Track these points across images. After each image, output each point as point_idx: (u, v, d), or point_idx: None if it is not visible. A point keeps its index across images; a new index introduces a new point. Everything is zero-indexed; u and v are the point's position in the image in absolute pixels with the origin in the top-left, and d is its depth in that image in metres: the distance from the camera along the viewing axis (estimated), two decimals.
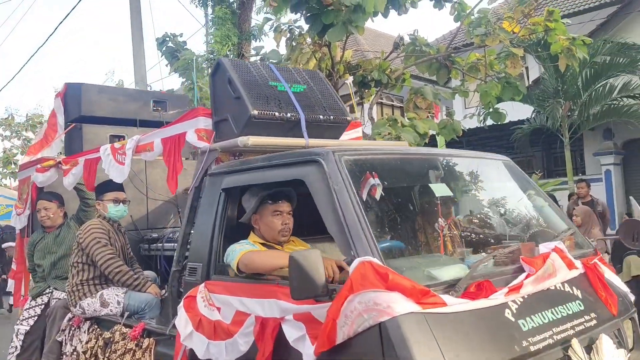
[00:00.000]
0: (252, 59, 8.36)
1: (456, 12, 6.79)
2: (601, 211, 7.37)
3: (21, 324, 4.14)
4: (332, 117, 3.32)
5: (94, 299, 3.63)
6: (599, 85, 10.02)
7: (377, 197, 2.24)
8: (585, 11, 12.42)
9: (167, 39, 9.03)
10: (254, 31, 9.65)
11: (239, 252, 2.49)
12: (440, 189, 2.49)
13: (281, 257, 2.38)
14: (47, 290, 4.25)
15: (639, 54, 9.66)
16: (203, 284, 2.70)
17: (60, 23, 36.02)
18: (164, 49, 8.92)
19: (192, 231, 3.05)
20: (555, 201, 6.95)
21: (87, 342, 3.59)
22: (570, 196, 8.32)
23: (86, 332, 3.72)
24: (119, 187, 3.98)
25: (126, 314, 3.47)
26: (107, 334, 3.38)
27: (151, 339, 3.05)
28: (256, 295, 2.35)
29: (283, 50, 7.26)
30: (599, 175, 11.51)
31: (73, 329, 3.83)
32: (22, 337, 4.08)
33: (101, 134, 5.19)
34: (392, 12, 6.26)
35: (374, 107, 7.48)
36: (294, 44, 6.90)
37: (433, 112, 7.51)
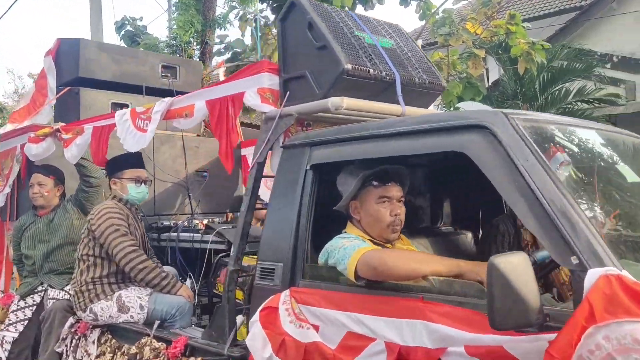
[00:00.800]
0: (216, 47, 8.63)
1: (421, 11, 7.09)
2: None
3: (7, 330, 3.32)
4: (427, 80, 2.64)
5: (109, 302, 2.86)
6: (555, 89, 10.10)
7: (573, 177, 1.59)
8: (545, 16, 12.73)
9: (126, 22, 8.97)
10: (219, 19, 9.49)
11: (353, 250, 1.80)
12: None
13: (431, 261, 1.71)
14: (40, 288, 3.44)
15: (594, 60, 9.96)
16: (287, 292, 2.00)
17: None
18: (122, 33, 8.86)
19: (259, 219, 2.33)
20: None
21: (99, 357, 2.83)
22: None
23: (95, 342, 2.96)
24: (140, 164, 3.23)
25: (156, 323, 2.72)
26: (131, 349, 2.63)
27: None
28: (385, 313, 1.68)
29: (248, 40, 7.37)
30: None
31: (77, 337, 3.06)
32: (8, 347, 3.27)
33: (101, 101, 4.37)
34: (359, 8, 6.54)
35: None
36: (259, 34, 6.98)
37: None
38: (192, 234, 3.78)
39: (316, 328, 1.87)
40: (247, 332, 2.13)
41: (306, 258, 2.05)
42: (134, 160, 3.18)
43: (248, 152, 5.23)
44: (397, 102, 2.45)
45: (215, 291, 3.10)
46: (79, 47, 4.29)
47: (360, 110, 2.32)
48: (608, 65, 10.55)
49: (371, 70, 2.36)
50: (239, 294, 2.88)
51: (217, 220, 4.33)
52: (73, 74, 4.35)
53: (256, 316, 2.02)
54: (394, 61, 2.55)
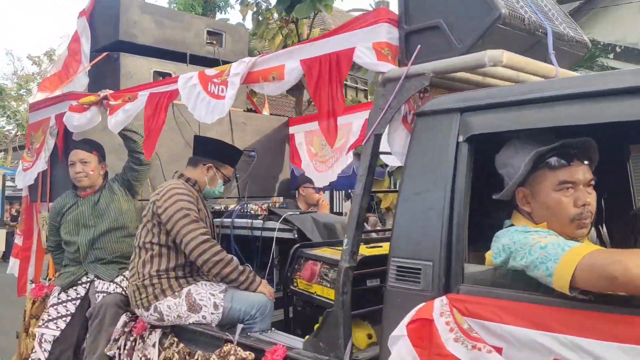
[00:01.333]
0: None
1: None
2: None
3: (46, 327, 2.87)
4: (574, 38, 2.16)
5: (177, 299, 2.42)
6: None
7: None
8: None
9: None
10: (219, 3, 9.68)
11: (563, 251, 1.33)
12: None
13: None
14: (84, 279, 2.98)
15: (597, 50, 9.81)
16: (443, 300, 1.54)
17: None
18: None
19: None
20: None
21: None
22: None
23: (156, 345, 2.52)
24: (236, 163, 2.88)
25: (239, 327, 2.26)
26: (211, 357, 2.18)
27: None
28: (625, 338, 1.22)
29: (249, 24, 7.64)
30: None
31: (132, 339, 2.62)
32: (48, 347, 2.82)
33: (142, 69, 3.90)
34: None
35: None
36: (260, 18, 7.05)
37: None
38: (249, 220, 3.34)
39: (498, 350, 1.41)
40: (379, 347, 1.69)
41: (465, 257, 1.58)
42: (237, 158, 2.82)
43: (297, 131, 4.77)
44: (543, 61, 1.98)
45: (293, 287, 2.64)
46: (119, 7, 3.81)
47: (517, 69, 1.85)
48: (611, 56, 10.59)
49: (526, 19, 1.88)
50: (324, 291, 2.44)
51: (274, 204, 3.87)
52: (112, 38, 3.87)
53: (401, 330, 1.56)
54: (540, 11, 2.06)
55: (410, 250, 1.68)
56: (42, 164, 3.49)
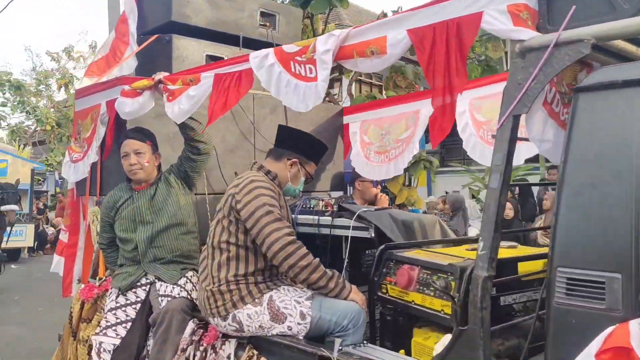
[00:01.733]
0: None
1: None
2: None
3: (105, 335, 2.59)
4: None
5: (259, 307, 2.12)
6: None
7: None
8: None
9: None
10: None
11: None
12: None
13: None
14: (143, 280, 2.71)
15: None
16: None
17: None
18: None
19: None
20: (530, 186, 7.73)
21: None
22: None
23: (231, 358, 2.23)
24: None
25: (337, 341, 1.95)
26: None
27: None
28: None
29: None
30: None
31: (202, 349, 2.34)
32: (107, 357, 2.54)
33: (195, 52, 3.61)
34: None
35: (352, 83, 7.62)
36: None
37: (413, 91, 7.43)
38: (315, 217, 3.04)
39: None
40: None
41: None
42: (322, 155, 2.54)
43: (352, 120, 4.44)
44: None
45: (382, 294, 2.33)
46: None
47: None
48: None
49: None
50: (425, 301, 2.12)
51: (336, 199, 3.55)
52: (163, 18, 3.59)
53: (587, 357, 1.23)
54: None
55: (586, 258, 1.35)
56: (93, 155, 3.22)
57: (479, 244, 1.60)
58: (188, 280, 2.67)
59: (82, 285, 3.29)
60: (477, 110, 3.24)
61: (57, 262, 3.62)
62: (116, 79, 3.16)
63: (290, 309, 2.10)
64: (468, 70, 6.82)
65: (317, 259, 2.14)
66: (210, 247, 2.24)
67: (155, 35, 3.55)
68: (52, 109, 19.72)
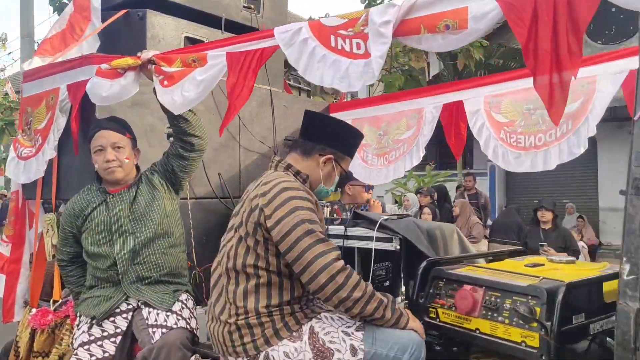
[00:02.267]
0: None
1: (367, 1, 7.00)
2: (483, 203, 8.31)
3: None
4: None
5: (298, 343, 1.67)
6: None
7: None
8: None
9: None
10: None
11: None
12: None
13: None
14: (123, 307, 2.16)
15: None
16: None
17: None
18: (57, 4, 8.19)
19: None
20: (447, 191, 8.19)
21: None
22: (457, 188, 9.14)
23: None
24: None
25: None
26: None
27: None
28: None
29: None
30: (484, 170, 12.20)
31: None
32: None
33: (172, 33, 3.10)
34: None
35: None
36: None
37: (339, 97, 7.45)
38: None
39: None
40: None
41: None
42: (359, 145, 2.09)
43: (342, 119, 4.07)
44: None
45: (430, 319, 1.96)
46: None
47: None
48: None
49: None
50: (497, 330, 1.77)
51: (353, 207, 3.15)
52: None
53: None
54: None
55: None
56: (50, 151, 2.62)
57: (624, 266, 1.27)
58: (184, 306, 2.17)
59: (32, 310, 2.67)
60: (495, 110, 2.96)
61: None
62: (82, 57, 2.58)
63: (337, 343, 1.67)
64: (393, 79, 6.72)
65: (370, 285, 1.72)
66: (231, 270, 1.76)
67: (124, 10, 2.99)
68: None
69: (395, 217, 2.58)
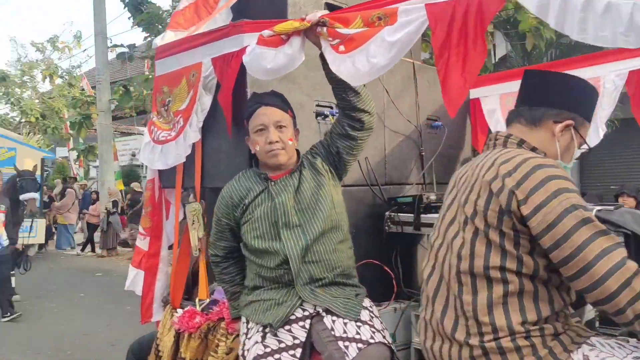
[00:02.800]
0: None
1: None
2: None
3: None
4: None
5: None
6: None
7: None
8: None
9: None
10: None
11: None
12: None
13: None
14: (299, 313, 1.84)
15: None
16: None
17: None
18: (127, 0, 8.84)
19: None
20: None
21: None
22: None
23: None
24: None
25: None
26: None
27: None
28: None
29: None
30: None
31: None
32: None
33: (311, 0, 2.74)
34: None
35: None
36: None
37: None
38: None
39: None
40: None
41: None
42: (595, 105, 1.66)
43: (485, 94, 3.58)
44: None
45: None
46: None
47: None
48: None
49: None
50: None
51: None
52: None
53: None
54: None
55: None
56: (193, 133, 2.34)
57: None
58: (372, 315, 1.81)
59: (177, 311, 2.42)
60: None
61: (135, 277, 2.73)
62: (230, 25, 2.27)
63: None
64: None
65: None
66: (465, 274, 1.37)
67: None
68: (36, 100, 19.19)
69: (610, 207, 2.09)
